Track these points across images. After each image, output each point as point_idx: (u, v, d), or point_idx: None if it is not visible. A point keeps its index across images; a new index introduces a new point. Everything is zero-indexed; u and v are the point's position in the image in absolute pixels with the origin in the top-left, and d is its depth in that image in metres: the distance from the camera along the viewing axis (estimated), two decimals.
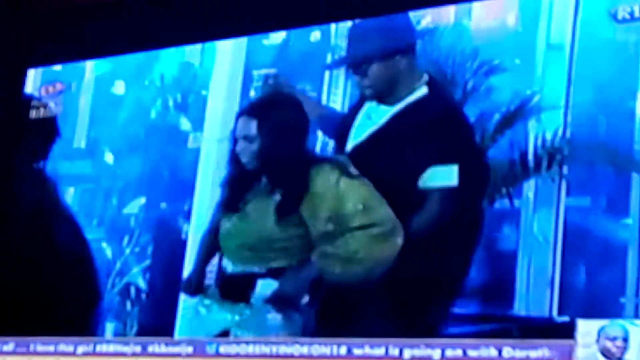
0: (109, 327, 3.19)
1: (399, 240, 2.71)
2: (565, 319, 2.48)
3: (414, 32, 2.89)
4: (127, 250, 3.25)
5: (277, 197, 2.90)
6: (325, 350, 2.72)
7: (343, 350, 2.70)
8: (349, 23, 3.02)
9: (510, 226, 2.64)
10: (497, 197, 2.68)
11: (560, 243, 2.56)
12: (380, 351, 2.62)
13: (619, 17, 2.63)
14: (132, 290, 3.21)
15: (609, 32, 2.65)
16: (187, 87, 3.31)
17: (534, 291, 2.56)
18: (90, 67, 3.53)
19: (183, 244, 3.14)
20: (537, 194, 2.63)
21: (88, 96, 3.52)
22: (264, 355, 2.80)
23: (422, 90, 2.83)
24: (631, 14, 2.63)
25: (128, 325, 3.17)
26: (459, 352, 2.53)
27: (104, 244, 3.30)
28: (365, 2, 3.02)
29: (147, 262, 3.22)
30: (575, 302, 2.49)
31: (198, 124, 3.24)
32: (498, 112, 2.73)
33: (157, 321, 3.11)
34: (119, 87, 3.44)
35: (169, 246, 3.20)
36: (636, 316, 2.39)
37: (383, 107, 2.86)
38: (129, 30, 3.42)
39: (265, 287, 2.87)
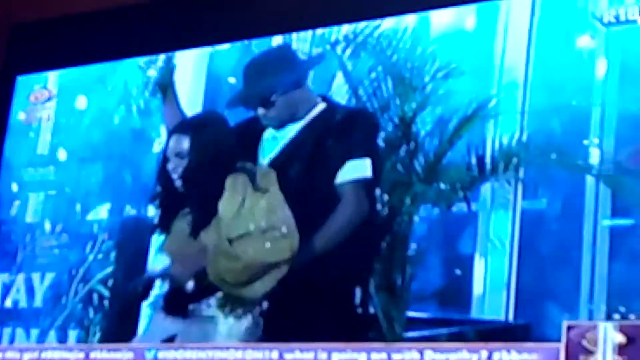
0: (72, 335, 3.17)
1: (292, 245, 2.76)
2: (520, 322, 2.48)
3: (303, 65, 2.99)
4: (91, 257, 3.24)
5: (193, 212, 2.93)
6: (257, 354, 2.73)
7: (275, 354, 2.70)
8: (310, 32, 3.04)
9: (467, 230, 2.64)
10: (455, 201, 2.68)
11: (517, 246, 2.56)
12: (309, 355, 2.63)
13: (605, 20, 2.63)
14: (95, 297, 3.20)
15: (565, 36, 2.66)
16: (150, 93, 3.31)
17: (491, 295, 2.56)
18: (54, 76, 3.52)
19: (146, 250, 3.13)
20: (494, 197, 2.63)
21: (51, 104, 3.51)
22: None
23: (321, 105, 2.91)
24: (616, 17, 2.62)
25: (91, 332, 3.15)
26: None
27: (67, 251, 3.29)
28: (327, 10, 3.05)
29: (110, 268, 3.20)
30: (531, 306, 2.49)
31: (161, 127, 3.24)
32: (456, 115, 2.73)
33: (120, 328, 3.10)
34: (81, 99, 3.44)
35: (132, 252, 3.18)
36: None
37: (288, 126, 2.91)
38: (95, 40, 3.45)
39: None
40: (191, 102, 3.20)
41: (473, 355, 2.47)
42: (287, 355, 2.66)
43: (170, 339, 2.90)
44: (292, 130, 2.91)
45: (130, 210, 3.23)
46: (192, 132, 2.99)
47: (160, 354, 2.89)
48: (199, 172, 2.94)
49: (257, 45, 3.14)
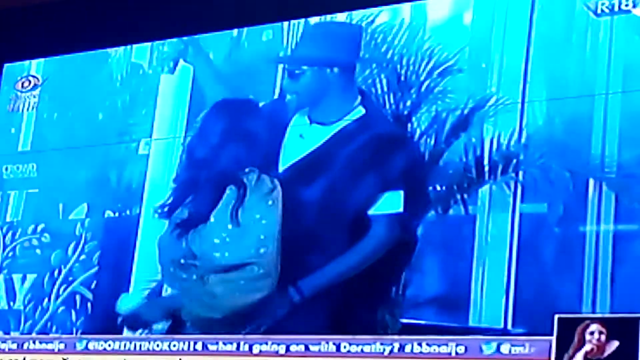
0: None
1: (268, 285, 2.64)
2: (520, 330, 2.39)
3: (359, 51, 2.80)
4: (73, 258, 3.14)
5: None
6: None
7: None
8: (302, 22, 2.93)
9: (464, 234, 2.55)
10: (452, 204, 2.58)
11: (516, 251, 2.47)
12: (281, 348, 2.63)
13: (598, 11, 2.54)
14: (78, 299, 3.09)
15: (567, 32, 2.57)
16: (135, 88, 3.21)
17: (489, 302, 2.47)
18: (35, 67, 3.42)
19: (132, 251, 3.03)
20: (492, 200, 2.54)
21: (34, 97, 3.40)
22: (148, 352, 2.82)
23: (359, 111, 2.74)
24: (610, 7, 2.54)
25: (74, 334, 3.05)
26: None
27: (49, 251, 3.19)
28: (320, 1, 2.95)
29: (94, 270, 3.10)
30: (531, 313, 2.40)
31: (147, 126, 3.13)
32: (452, 114, 2.64)
33: (103, 329, 3.00)
34: (66, 93, 3.33)
35: (116, 254, 3.08)
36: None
37: (317, 127, 2.76)
38: (81, 29, 3.34)
39: None
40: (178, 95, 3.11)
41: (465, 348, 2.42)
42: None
43: None
44: (322, 134, 2.74)
45: (113, 211, 3.12)
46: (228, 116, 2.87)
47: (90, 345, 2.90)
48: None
49: (246, 36, 3.03)
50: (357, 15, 2.87)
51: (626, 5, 2.51)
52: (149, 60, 3.21)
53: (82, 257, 3.13)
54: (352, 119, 2.73)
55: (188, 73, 3.12)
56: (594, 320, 2.30)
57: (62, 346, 2.93)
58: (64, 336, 2.99)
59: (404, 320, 2.55)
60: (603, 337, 2.27)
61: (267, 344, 2.66)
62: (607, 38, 2.52)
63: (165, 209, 2.90)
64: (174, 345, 2.80)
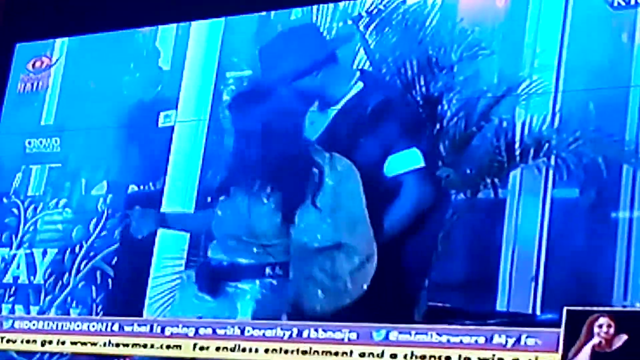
0: (73, 313, 3.06)
1: (371, 263, 2.61)
2: (548, 316, 2.36)
3: (327, 43, 2.85)
4: (95, 234, 3.12)
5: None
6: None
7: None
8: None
9: (494, 218, 2.52)
10: (482, 187, 2.55)
11: (546, 237, 2.44)
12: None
13: (614, 4, 2.51)
14: (99, 275, 3.07)
15: (603, 18, 2.53)
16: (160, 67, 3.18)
17: (517, 287, 2.44)
18: (59, 45, 3.39)
19: (157, 225, 3.01)
20: (523, 184, 2.50)
21: (58, 73, 3.38)
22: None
23: (358, 87, 2.76)
24: (627, 1, 2.51)
25: (94, 311, 3.03)
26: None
27: (71, 227, 3.17)
28: None
29: (115, 246, 3.08)
30: (560, 300, 2.36)
31: (172, 104, 3.11)
32: (484, 97, 2.61)
33: (125, 308, 2.98)
34: (87, 69, 3.31)
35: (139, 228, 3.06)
36: None
37: (324, 111, 2.78)
38: (109, 8, 3.30)
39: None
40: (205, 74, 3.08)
41: (475, 338, 2.40)
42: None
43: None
44: (328, 115, 2.77)
45: (136, 186, 3.10)
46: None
47: None
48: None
49: (277, 17, 3.00)
50: None
51: None
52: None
53: (104, 232, 3.11)
54: (353, 94, 2.75)
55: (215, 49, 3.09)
56: (603, 313, 2.27)
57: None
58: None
59: (431, 304, 2.51)
60: (612, 331, 2.25)
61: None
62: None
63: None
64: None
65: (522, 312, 2.42)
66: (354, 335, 2.55)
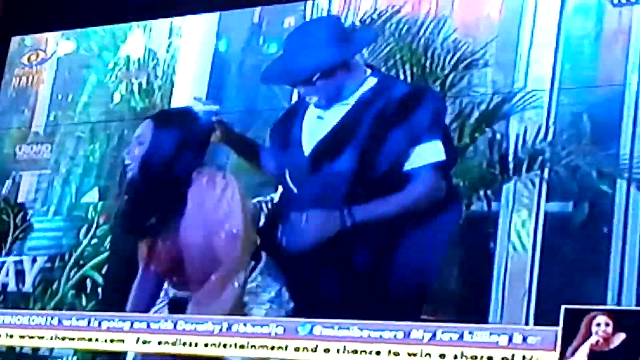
0: (63, 322, 3.03)
1: None
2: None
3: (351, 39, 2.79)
4: (85, 242, 3.10)
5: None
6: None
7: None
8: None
9: (487, 231, 2.50)
10: (475, 200, 2.54)
11: (539, 250, 2.43)
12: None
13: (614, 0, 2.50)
14: (89, 283, 3.05)
15: (597, 28, 2.52)
16: (152, 70, 3.16)
17: (510, 300, 2.43)
18: (53, 45, 3.37)
19: None
20: (516, 197, 2.49)
21: (49, 77, 3.36)
22: None
23: (371, 81, 2.71)
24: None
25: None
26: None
27: (61, 234, 3.15)
28: None
29: (106, 254, 3.06)
30: (553, 314, 2.35)
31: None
32: (477, 109, 2.60)
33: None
34: (80, 73, 3.29)
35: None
36: None
37: (334, 107, 2.72)
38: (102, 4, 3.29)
39: None
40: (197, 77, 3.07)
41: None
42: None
43: None
44: (340, 111, 2.71)
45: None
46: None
47: None
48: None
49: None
50: (383, 4, 2.83)
51: None
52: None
53: (94, 240, 3.09)
54: (367, 89, 2.71)
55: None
56: (600, 312, 2.27)
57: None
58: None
59: (424, 317, 2.50)
60: (609, 329, 2.25)
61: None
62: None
63: None
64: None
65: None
66: (280, 330, 2.60)
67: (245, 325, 2.66)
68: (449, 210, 2.56)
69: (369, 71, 2.73)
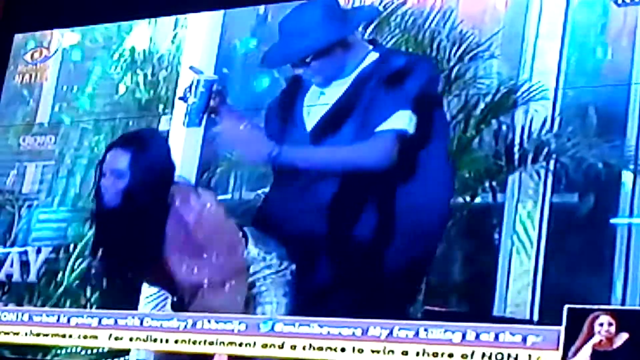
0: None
1: None
2: (546, 322, 2.35)
3: (349, 16, 2.79)
4: (89, 233, 3.09)
5: None
6: None
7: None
8: None
9: (492, 222, 2.50)
10: (480, 191, 2.53)
11: (545, 242, 2.42)
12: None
13: (619, 1, 2.49)
14: (93, 274, 3.05)
15: (603, 19, 2.52)
16: (158, 62, 3.16)
17: (514, 292, 2.42)
18: (57, 39, 3.37)
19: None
20: (521, 188, 2.49)
21: (54, 69, 3.36)
22: None
23: (373, 56, 2.72)
24: None
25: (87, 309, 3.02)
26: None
27: (65, 225, 3.15)
28: None
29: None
30: (557, 306, 2.34)
31: (169, 103, 3.09)
32: (483, 100, 2.59)
33: (119, 304, 2.96)
34: (85, 65, 3.29)
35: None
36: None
37: (335, 82, 2.73)
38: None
39: None
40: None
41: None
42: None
43: None
44: (342, 87, 2.72)
45: None
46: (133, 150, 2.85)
47: None
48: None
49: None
50: None
51: None
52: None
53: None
54: (368, 63, 2.71)
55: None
56: (603, 311, 2.26)
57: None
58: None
59: (427, 307, 2.50)
60: (612, 329, 2.24)
61: None
62: None
63: None
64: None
65: (519, 317, 2.40)
66: (243, 327, 2.63)
67: (209, 322, 2.68)
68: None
69: (370, 47, 2.73)
